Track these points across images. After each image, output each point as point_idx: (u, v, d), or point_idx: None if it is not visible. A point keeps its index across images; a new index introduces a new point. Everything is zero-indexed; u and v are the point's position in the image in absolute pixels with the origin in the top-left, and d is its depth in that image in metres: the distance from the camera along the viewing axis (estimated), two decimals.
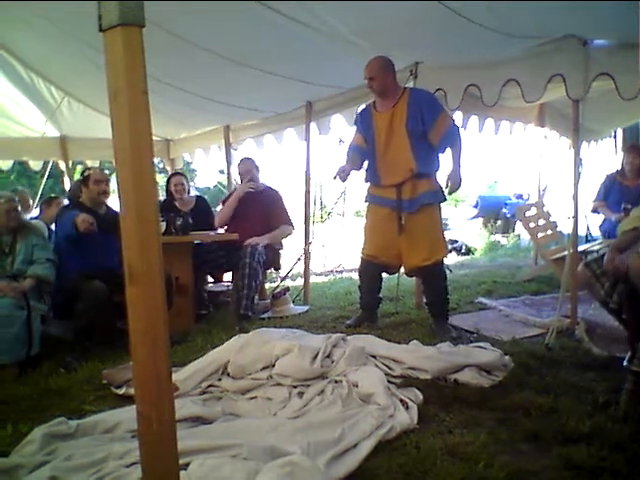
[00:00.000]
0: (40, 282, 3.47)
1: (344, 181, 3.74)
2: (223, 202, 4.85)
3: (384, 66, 3.68)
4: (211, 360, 2.86)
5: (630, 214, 2.71)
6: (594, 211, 5.55)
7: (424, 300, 4.05)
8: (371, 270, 3.96)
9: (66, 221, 3.61)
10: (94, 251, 3.61)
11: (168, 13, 3.33)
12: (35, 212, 5.63)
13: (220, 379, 2.78)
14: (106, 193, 3.81)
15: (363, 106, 4.08)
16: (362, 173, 3.94)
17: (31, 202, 5.85)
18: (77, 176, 7.58)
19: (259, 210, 4.62)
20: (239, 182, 4.99)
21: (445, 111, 3.79)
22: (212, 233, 4.63)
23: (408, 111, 3.64)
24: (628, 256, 2.35)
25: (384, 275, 4.08)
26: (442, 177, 3.82)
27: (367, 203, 4.01)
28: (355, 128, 3.96)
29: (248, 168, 4.84)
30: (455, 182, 3.72)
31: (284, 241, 4.91)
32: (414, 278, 4.29)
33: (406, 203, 3.69)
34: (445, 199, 3.87)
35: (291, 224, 4.82)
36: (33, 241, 3.58)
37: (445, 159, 3.81)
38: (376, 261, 3.89)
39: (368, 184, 3.95)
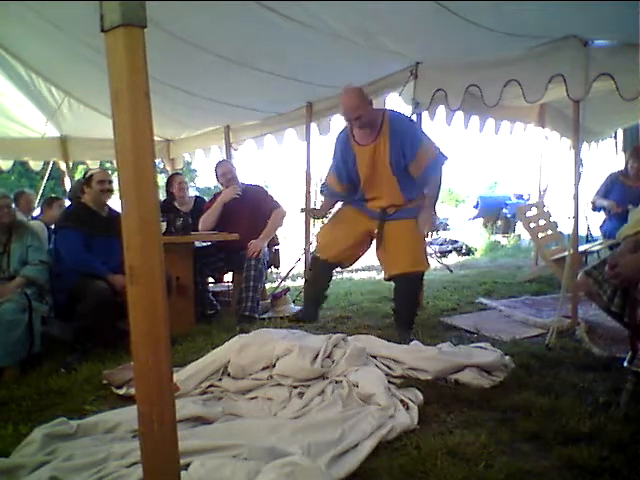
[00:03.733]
0: (31, 283, 3.45)
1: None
2: (207, 207, 4.78)
3: (362, 99, 3.39)
4: (211, 360, 2.86)
5: (630, 217, 2.69)
6: (594, 208, 5.54)
7: (391, 306, 3.89)
8: (322, 268, 3.87)
9: (67, 241, 3.65)
10: (97, 253, 3.61)
11: (168, 13, 3.33)
12: (36, 212, 5.63)
13: (221, 379, 2.78)
14: (109, 191, 3.80)
15: (339, 131, 3.77)
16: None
17: (35, 203, 5.85)
18: (78, 176, 7.61)
19: (247, 210, 4.57)
20: (220, 185, 4.96)
21: (427, 141, 3.54)
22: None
23: (390, 145, 3.45)
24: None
25: (382, 275, 4.05)
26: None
27: (342, 204, 3.89)
28: (333, 156, 3.70)
29: (227, 169, 4.81)
30: (425, 225, 3.50)
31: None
32: None
33: (390, 215, 3.61)
34: None
35: (279, 206, 4.75)
36: (28, 241, 3.58)
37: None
38: (329, 259, 3.79)
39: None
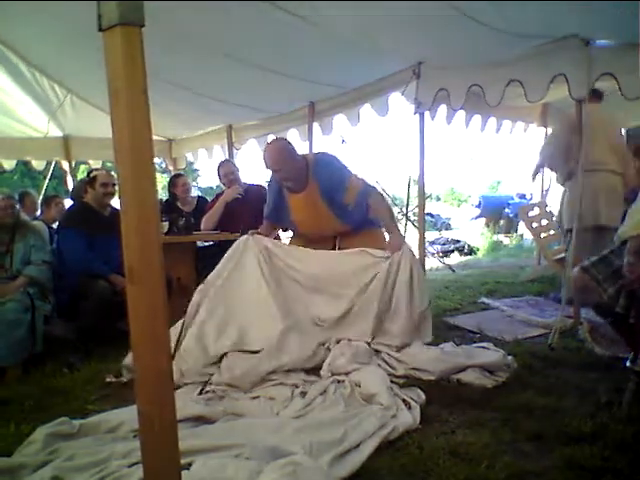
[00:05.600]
0: (34, 283, 3.46)
1: None
2: (209, 207, 4.75)
3: (283, 155, 3.30)
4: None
5: (628, 216, 2.67)
6: None
7: None
8: None
9: (70, 241, 3.67)
10: (99, 253, 3.62)
11: (171, 11, 3.33)
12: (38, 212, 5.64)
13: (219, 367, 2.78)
14: (112, 194, 3.83)
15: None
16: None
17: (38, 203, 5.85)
18: (80, 176, 7.62)
19: (249, 210, 4.55)
20: (222, 185, 4.94)
21: (354, 176, 3.44)
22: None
23: (321, 191, 3.36)
24: None
25: None
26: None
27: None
28: (267, 204, 3.59)
29: (229, 170, 4.80)
30: (396, 247, 3.31)
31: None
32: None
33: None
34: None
35: None
36: (31, 241, 3.60)
37: None
38: None
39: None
